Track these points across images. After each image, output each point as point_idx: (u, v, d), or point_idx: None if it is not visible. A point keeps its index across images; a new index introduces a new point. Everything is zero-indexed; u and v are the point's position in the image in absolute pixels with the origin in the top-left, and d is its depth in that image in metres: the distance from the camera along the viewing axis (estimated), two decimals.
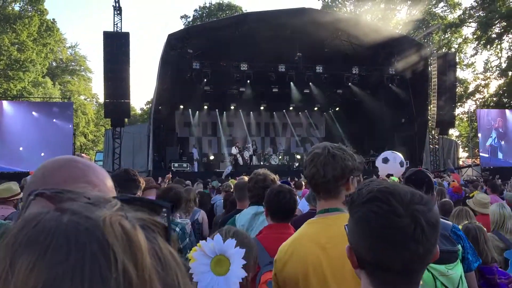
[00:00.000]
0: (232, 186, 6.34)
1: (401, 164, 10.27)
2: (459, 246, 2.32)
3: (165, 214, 0.51)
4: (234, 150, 21.40)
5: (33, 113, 18.99)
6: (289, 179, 8.36)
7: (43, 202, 0.47)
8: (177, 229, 3.68)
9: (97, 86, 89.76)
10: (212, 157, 24.53)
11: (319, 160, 1.82)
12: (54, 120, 19.06)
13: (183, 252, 3.74)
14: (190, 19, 39.49)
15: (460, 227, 3.37)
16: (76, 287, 0.37)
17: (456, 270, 2.22)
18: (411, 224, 0.99)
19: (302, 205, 4.84)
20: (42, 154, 17.36)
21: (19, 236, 0.40)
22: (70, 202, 0.44)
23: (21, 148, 18.44)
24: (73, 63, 44.48)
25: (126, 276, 0.39)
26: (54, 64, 41.42)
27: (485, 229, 3.54)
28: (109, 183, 1.11)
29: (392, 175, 9.05)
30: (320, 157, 1.83)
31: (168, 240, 0.47)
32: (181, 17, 39.89)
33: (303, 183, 7.49)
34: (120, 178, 2.81)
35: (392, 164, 10.18)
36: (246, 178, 5.19)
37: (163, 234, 0.47)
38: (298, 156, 23.53)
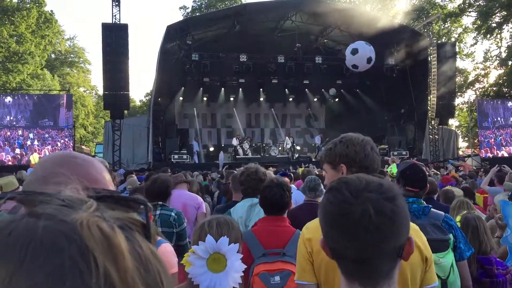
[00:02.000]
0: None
1: (368, 61, 9.88)
2: (450, 235, 2.36)
3: (143, 211, 0.50)
4: (234, 141, 21.44)
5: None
6: (287, 171, 8.37)
7: (13, 203, 0.46)
8: (173, 213, 3.76)
9: (97, 78, 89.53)
10: (212, 149, 24.56)
11: (376, 149, 1.94)
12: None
13: (183, 236, 3.82)
14: (189, 10, 39.29)
15: (459, 217, 3.41)
16: None
17: (447, 258, 2.27)
18: (358, 211, 0.99)
19: (298, 196, 4.87)
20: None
21: None
22: (43, 206, 0.42)
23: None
24: (72, 55, 44.32)
25: (107, 280, 0.38)
26: (53, 56, 41.30)
27: (484, 219, 3.56)
28: (108, 176, 1.12)
29: None
30: (372, 144, 1.95)
31: (148, 238, 0.46)
32: (180, 8, 39.75)
33: (299, 174, 7.51)
34: None
35: (358, 58, 9.88)
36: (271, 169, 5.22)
37: (142, 232, 0.46)
38: (298, 147, 23.56)
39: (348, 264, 1.04)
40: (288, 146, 21.86)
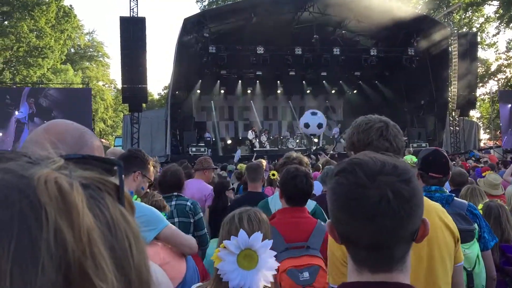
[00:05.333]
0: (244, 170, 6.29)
1: (319, 126, 11.67)
2: (475, 225, 2.29)
3: (118, 173, 0.46)
4: (250, 135, 21.40)
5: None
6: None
7: None
8: (188, 203, 3.75)
9: (115, 72, 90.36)
10: (229, 141, 24.59)
11: (389, 133, 1.77)
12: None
13: (200, 226, 3.79)
14: (205, 3, 39.23)
15: (481, 205, 3.33)
16: (3, 247, 0.34)
17: (473, 249, 2.20)
18: (376, 195, 0.93)
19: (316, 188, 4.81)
20: None
21: None
22: (8, 162, 0.40)
23: None
24: (91, 49, 44.79)
25: (58, 237, 0.36)
26: (72, 50, 41.79)
27: (506, 207, 3.48)
28: (97, 143, 1.16)
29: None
30: (388, 129, 1.77)
31: (120, 201, 0.44)
32: (197, 1, 39.54)
33: (320, 165, 7.45)
34: (121, 156, 2.83)
35: (312, 129, 11.77)
36: (263, 162, 5.16)
37: (114, 194, 0.43)
38: (316, 140, 23.44)
39: (360, 250, 0.99)
40: (266, 137, 21.63)
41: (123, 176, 0.47)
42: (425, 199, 1.53)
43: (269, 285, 1.62)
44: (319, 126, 11.75)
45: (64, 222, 0.36)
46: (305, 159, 3.53)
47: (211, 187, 4.83)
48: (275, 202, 3.19)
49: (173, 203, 3.69)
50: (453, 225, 1.67)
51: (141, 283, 0.42)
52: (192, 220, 3.71)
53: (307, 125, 11.68)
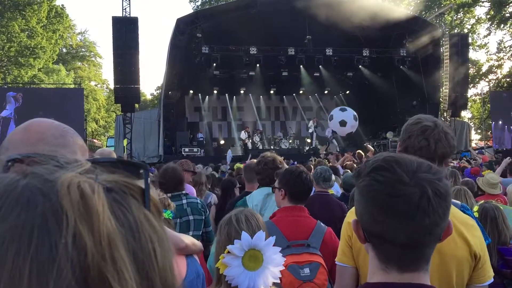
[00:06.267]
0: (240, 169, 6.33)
1: (355, 118, 11.40)
2: None
3: (144, 177, 0.47)
4: (243, 135, 21.42)
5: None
6: (295, 163, 8.32)
7: (23, 167, 0.44)
8: (198, 201, 3.78)
9: (108, 72, 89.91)
10: (222, 142, 24.57)
11: (432, 134, 1.72)
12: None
13: (208, 223, 3.83)
14: (198, 3, 39.17)
15: (476, 207, 3.34)
16: (22, 250, 0.35)
17: None
18: (417, 193, 0.93)
19: None
20: None
21: None
22: (37, 166, 0.42)
23: None
24: (83, 49, 44.59)
25: (77, 241, 0.36)
26: (64, 50, 41.55)
27: (502, 208, 3.49)
28: (80, 141, 1.13)
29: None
30: (433, 131, 1.73)
31: (146, 204, 0.44)
32: (190, 1, 39.44)
33: (311, 166, 7.46)
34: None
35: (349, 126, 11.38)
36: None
37: (139, 197, 0.44)
38: (308, 140, 23.48)
39: (394, 249, 0.98)
40: (311, 130, 21.77)
41: (149, 179, 0.47)
42: None
43: (278, 281, 1.60)
44: (355, 118, 11.58)
45: (84, 227, 0.37)
46: (279, 158, 3.58)
47: (193, 190, 4.85)
48: (253, 199, 3.29)
49: (185, 201, 3.72)
50: (473, 240, 1.61)
51: (166, 287, 0.42)
52: (203, 217, 3.78)
53: (343, 123, 11.42)
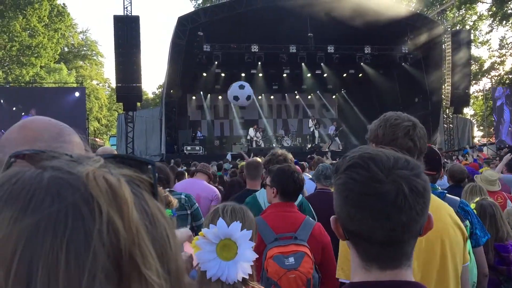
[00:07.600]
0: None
1: (248, 98, 13.21)
2: (467, 222, 2.31)
3: (151, 172, 0.50)
4: (252, 132, 21.38)
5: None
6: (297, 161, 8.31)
7: (24, 163, 0.46)
8: (182, 196, 3.78)
9: (109, 71, 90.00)
10: (224, 140, 24.59)
11: (415, 133, 1.72)
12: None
13: (198, 216, 3.85)
14: (200, 2, 39.13)
15: (473, 205, 3.35)
16: (58, 236, 0.37)
17: None
18: (392, 190, 0.92)
19: (309, 186, 4.84)
20: None
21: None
22: (51, 160, 0.44)
23: None
24: (84, 48, 44.58)
25: (111, 227, 0.39)
26: (66, 49, 41.58)
27: (498, 205, 3.50)
28: (77, 139, 1.12)
29: None
30: (414, 130, 1.73)
31: (155, 196, 0.47)
32: None
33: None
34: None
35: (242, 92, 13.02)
36: (258, 159, 5.20)
37: (149, 190, 0.47)
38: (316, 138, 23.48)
39: (371, 247, 0.97)
40: (311, 129, 21.75)
41: (156, 174, 0.50)
42: (434, 197, 1.55)
43: (247, 277, 1.59)
44: (248, 98, 14.23)
45: (115, 214, 0.40)
46: (290, 156, 3.65)
47: (217, 190, 4.92)
48: (264, 195, 3.28)
49: None
50: (461, 224, 1.71)
51: (177, 271, 0.46)
52: (189, 212, 3.77)
53: (236, 98, 14.01)
